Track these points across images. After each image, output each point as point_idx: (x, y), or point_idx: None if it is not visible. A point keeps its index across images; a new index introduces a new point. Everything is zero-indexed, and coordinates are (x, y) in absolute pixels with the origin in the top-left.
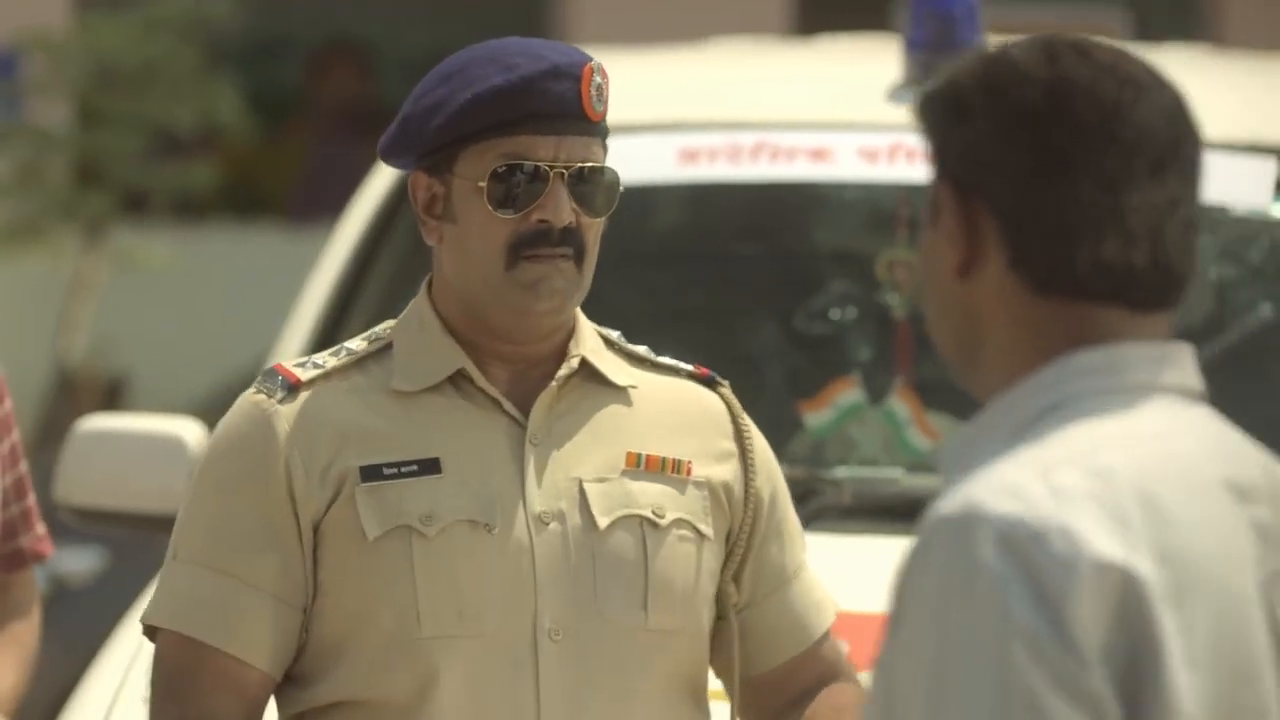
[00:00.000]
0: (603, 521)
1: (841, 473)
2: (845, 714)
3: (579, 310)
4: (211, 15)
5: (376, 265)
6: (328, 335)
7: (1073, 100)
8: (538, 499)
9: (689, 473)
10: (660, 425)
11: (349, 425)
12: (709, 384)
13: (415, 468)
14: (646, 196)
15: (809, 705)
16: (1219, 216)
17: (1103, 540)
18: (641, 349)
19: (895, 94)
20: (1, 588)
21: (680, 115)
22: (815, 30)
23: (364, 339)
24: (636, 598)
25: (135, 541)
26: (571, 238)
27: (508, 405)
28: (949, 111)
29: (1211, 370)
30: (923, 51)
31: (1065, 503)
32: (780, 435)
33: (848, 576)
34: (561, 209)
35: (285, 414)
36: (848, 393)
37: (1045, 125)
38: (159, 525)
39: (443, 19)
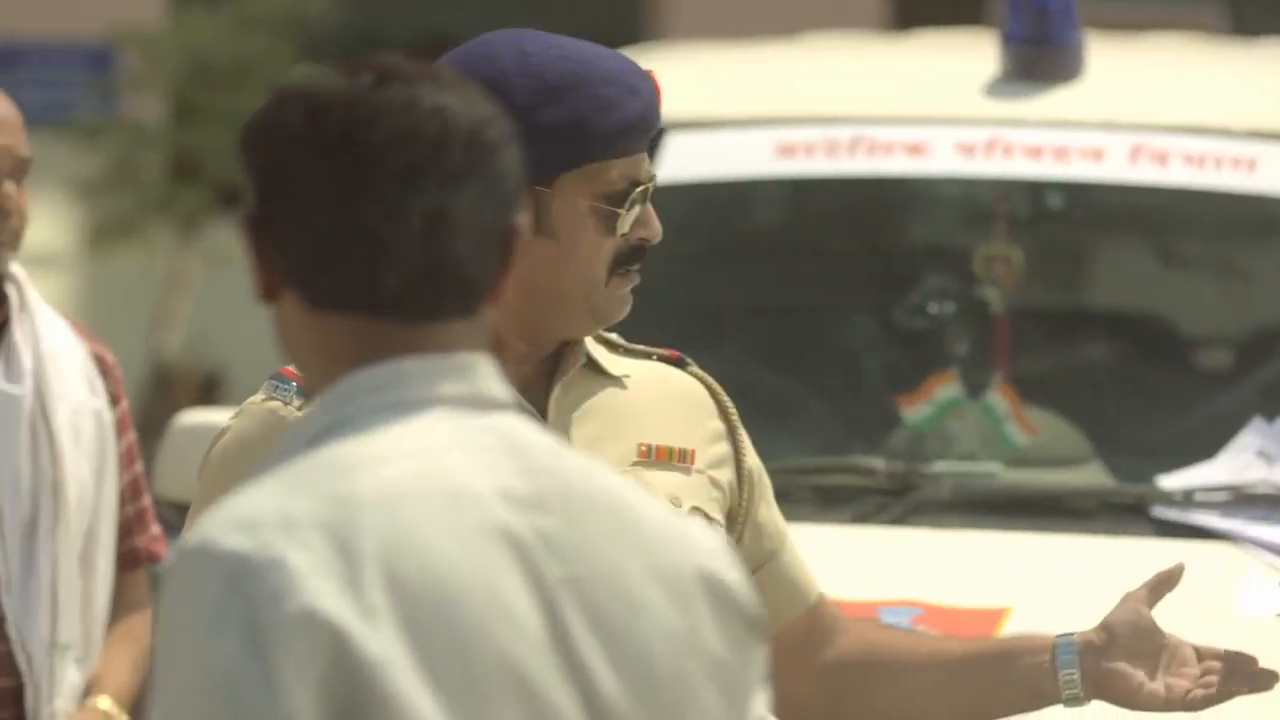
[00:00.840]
0: None
1: (940, 468)
2: (888, 633)
3: None
4: (306, 12)
5: None
6: None
7: (315, 118)
8: None
9: (693, 460)
10: (657, 413)
11: None
12: (680, 365)
13: None
14: (744, 191)
15: (828, 651)
16: None
17: (317, 580)
18: (613, 336)
19: (992, 89)
20: (117, 586)
21: (778, 110)
22: (911, 25)
23: None
24: None
25: None
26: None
27: (524, 403)
28: (239, 145)
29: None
30: (1020, 46)
31: (292, 536)
32: (879, 430)
33: (945, 571)
34: (657, 227)
35: None
36: (946, 388)
37: (296, 148)
38: None
39: (538, 15)
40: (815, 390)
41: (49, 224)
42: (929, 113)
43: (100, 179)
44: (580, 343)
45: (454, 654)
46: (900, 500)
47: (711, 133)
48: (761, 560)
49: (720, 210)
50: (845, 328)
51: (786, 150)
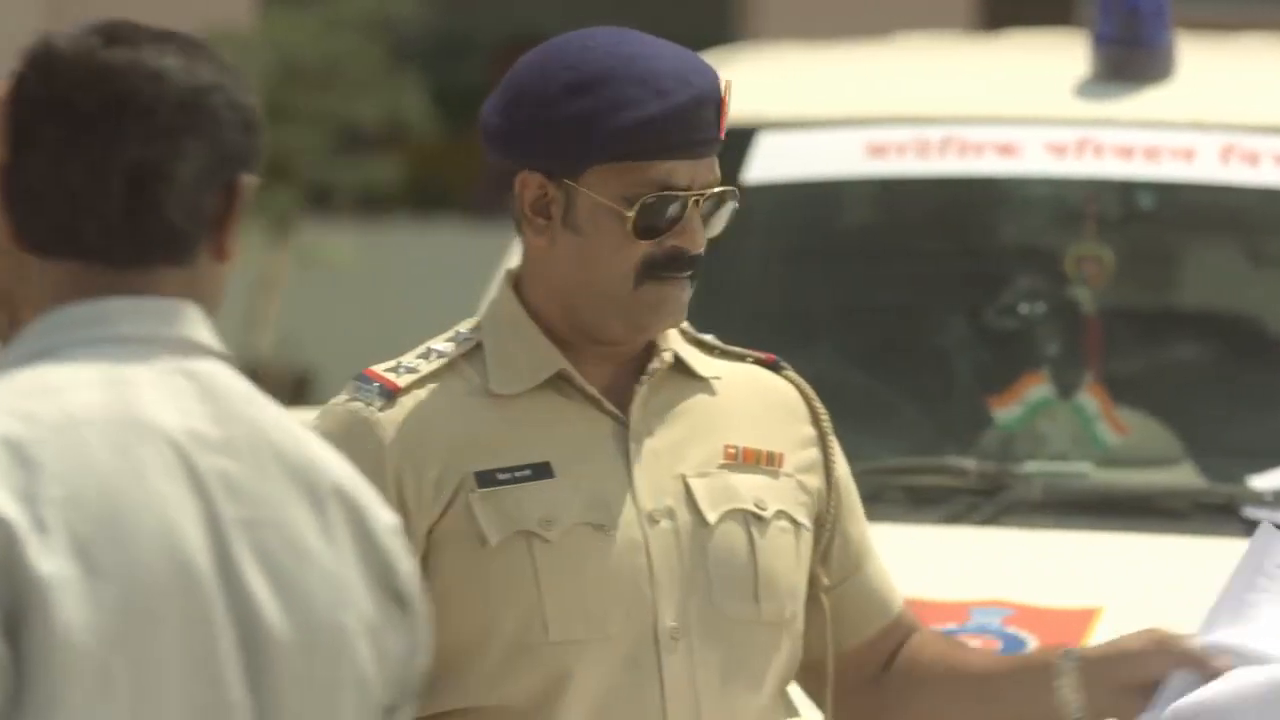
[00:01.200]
0: (711, 516)
1: (1031, 468)
2: (943, 644)
3: None
4: (394, 13)
5: None
6: None
7: (43, 77)
8: (647, 496)
9: (781, 463)
10: (746, 415)
11: (455, 431)
12: (775, 369)
13: (529, 472)
14: (834, 191)
15: (900, 659)
16: None
17: None
18: (709, 337)
19: (1083, 89)
20: None
21: (869, 110)
22: (1001, 25)
23: (449, 339)
24: (748, 591)
25: None
26: (696, 261)
27: (607, 404)
28: None
29: None
30: (1110, 47)
31: None
32: (970, 430)
33: (1036, 571)
34: (698, 237)
35: (387, 422)
36: (1037, 388)
37: (25, 105)
38: None
39: (626, 15)
40: (906, 391)
41: None
42: (1020, 113)
43: None
44: (666, 344)
45: (120, 576)
46: (991, 501)
47: (803, 133)
48: (848, 572)
49: (811, 210)
50: (936, 328)
51: (877, 150)
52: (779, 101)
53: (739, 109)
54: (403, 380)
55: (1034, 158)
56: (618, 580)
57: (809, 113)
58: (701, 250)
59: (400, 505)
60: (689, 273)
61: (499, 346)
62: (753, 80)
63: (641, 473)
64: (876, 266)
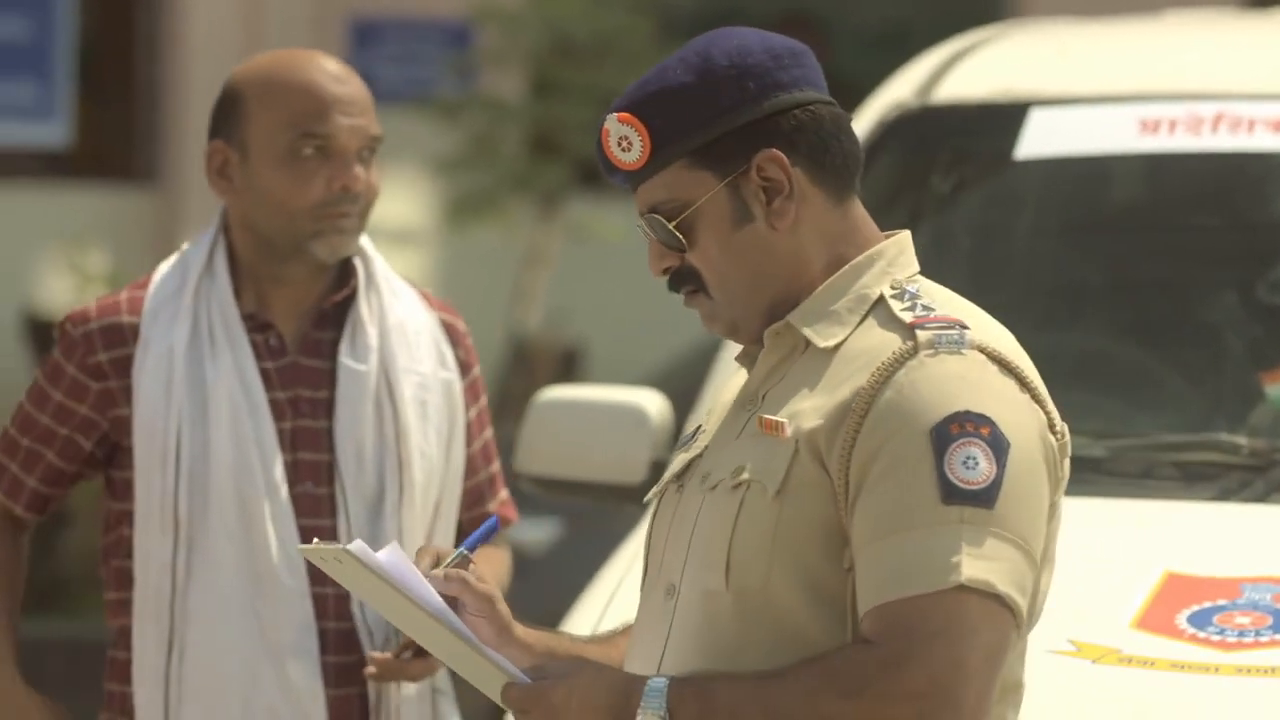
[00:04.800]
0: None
1: None
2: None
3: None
4: None
5: None
6: None
7: None
8: (711, 461)
9: (784, 432)
10: (819, 388)
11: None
12: (914, 350)
13: (691, 432)
14: (1106, 167)
15: None
16: None
17: None
18: (908, 314)
19: None
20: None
21: (1140, 86)
22: (1273, 1)
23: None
24: (719, 561)
25: (592, 513)
26: None
27: (750, 372)
28: None
29: None
30: None
31: None
32: (1241, 406)
33: None
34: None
35: None
36: None
37: None
38: (620, 496)
39: None
40: (1178, 367)
41: (409, 200)
42: None
43: (459, 155)
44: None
45: None
46: (1263, 477)
47: (1074, 109)
48: (858, 549)
49: (1082, 186)
50: (1207, 304)
51: (1149, 126)
52: (1051, 78)
53: (1012, 85)
54: None
55: None
56: (668, 537)
57: (1081, 89)
58: None
59: None
60: None
61: None
62: (1025, 57)
63: (729, 438)
64: (1147, 241)
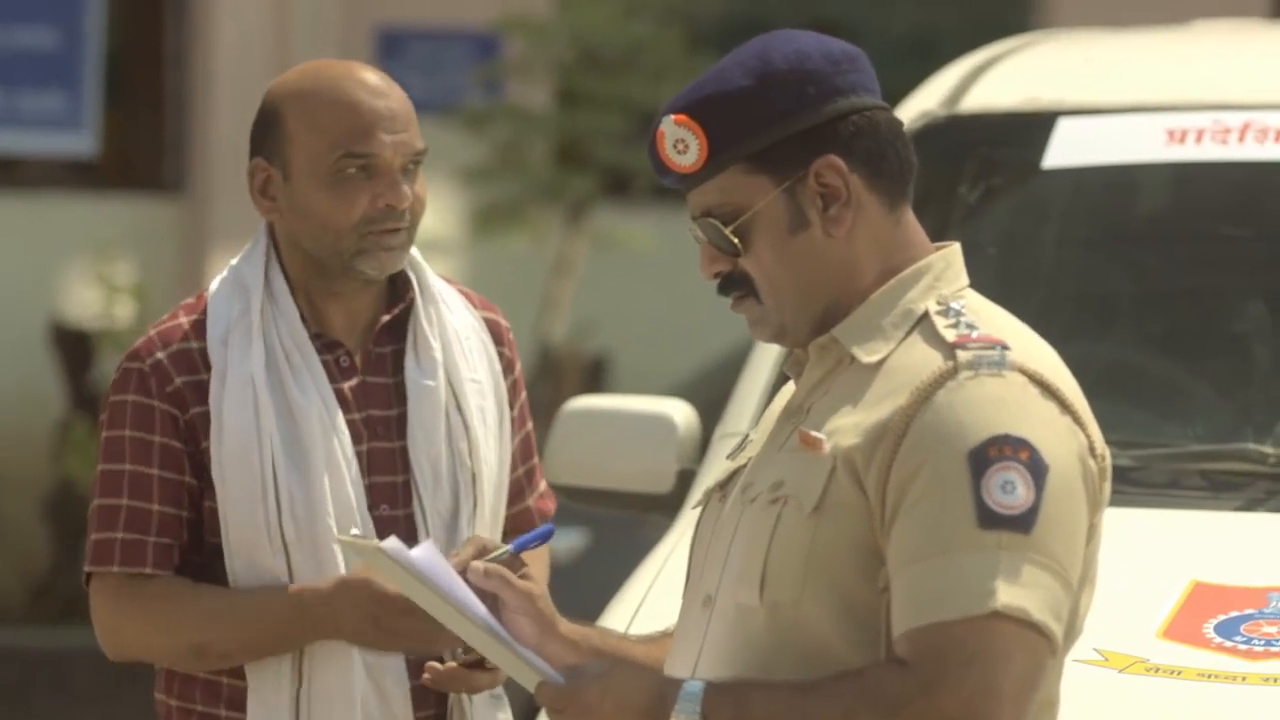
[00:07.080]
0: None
1: None
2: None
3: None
4: None
5: None
6: None
7: None
8: (754, 472)
9: (821, 448)
10: (860, 405)
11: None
12: (954, 371)
13: (738, 442)
14: (1133, 176)
15: None
16: None
17: None
18: (951, 332)
19: None
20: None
21: (1167, 96)
22: None
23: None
24: (754, 574)
25: (619, 522)
26: None
27: (797, 383)
28: None
29: None
30: None
31: None
32: (1268, 416)
33: None
34: None
35: None
36: None
37: None
38: (647, 505)
39: (926, 2)
40: (1204, 376)
41: (437, 210)
42: None
43: (487, 165)
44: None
45: None
46: None
47: (1101, 118)
48: (894, 571)
49: (1109, 195)
50: (1234, 313)
51: (1176, 136)
52: (1078, 88)
53: (1039, 95)
54: None
55: None
56: (705, 547)
57: (1108, 99)
58: None
59: None
60: None
61: None
62: (1052, 66)
63: (771, 450)
64: (1174, 251)
